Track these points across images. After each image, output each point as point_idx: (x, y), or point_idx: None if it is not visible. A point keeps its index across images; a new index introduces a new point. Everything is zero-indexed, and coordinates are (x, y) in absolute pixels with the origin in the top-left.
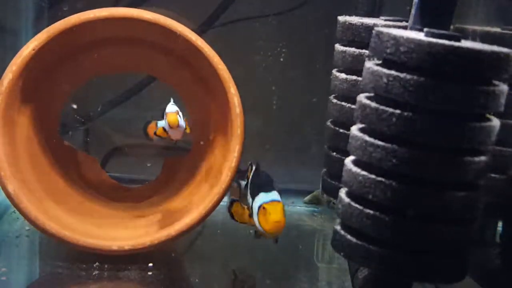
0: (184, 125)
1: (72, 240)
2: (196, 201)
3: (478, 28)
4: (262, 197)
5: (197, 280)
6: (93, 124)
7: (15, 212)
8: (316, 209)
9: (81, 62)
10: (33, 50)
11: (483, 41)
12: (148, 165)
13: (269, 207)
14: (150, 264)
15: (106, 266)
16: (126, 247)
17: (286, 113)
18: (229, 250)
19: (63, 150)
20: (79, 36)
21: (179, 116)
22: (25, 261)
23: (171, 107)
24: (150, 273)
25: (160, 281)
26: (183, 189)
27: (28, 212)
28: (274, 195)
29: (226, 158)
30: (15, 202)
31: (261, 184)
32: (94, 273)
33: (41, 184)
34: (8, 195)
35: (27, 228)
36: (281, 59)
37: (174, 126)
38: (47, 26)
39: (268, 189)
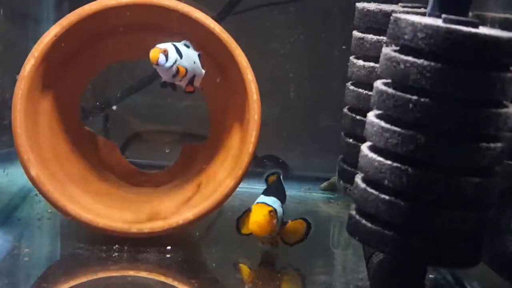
0: (170, 66)
1: (93, 222)
2: (214, 187)
3: (496, 15)
4: (257, 199)
5: (214, 264)
6: (113, 110)
7: (37, 195)
8: (332, 195)
9: (101, 48)
10: (55, 36)
11: (501, 28)
12: (167, 151)
13: (254, 207)
14: (168, 247)
15: (125, 248)
16: (145, 230)
17: (303, 100)
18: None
19: (83, 135)
20: (100, 23)
21: (166, 55)
22: (47, 242)
23: (165, 44)
24: (168, 255)
25: (178, 264)
26: (201, 175)
27: (50, 195)
28: (268, 199)
29: (243, 144)
30: (37, 186)
31: (268, 188)
32: (113, 255)
33: (62, 168)
34: (30, 178)
35: (49, 210)
36: (299, 46)
37: (153, 62)
38: (68, 12)
39: (268, 194)
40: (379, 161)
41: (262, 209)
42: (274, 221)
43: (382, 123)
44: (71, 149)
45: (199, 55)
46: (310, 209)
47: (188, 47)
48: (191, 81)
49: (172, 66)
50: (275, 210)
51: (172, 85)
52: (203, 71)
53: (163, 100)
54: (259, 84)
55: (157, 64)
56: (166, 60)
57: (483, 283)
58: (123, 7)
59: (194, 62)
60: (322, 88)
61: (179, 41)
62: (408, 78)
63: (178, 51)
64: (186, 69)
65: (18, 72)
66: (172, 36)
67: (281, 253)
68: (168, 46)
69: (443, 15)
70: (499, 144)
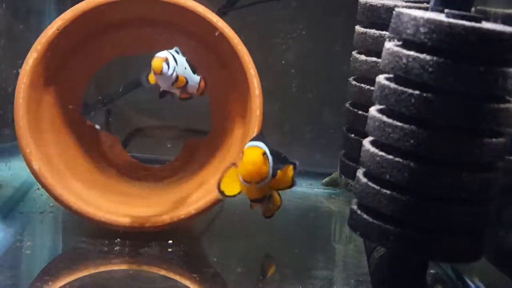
0: (171, 74)
1: (95, 216)
2: (215, 182)
3: (499, 10)
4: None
5: (215, 258)
6: (115, 104)
7: (39, 189)
8: (334, 191)
9: (104, 42)
10: (57, 30)
11: (504, 23)
12: (168, 145)
13: (246, 150)
14: (170, 241)
15: (127, 242)
16: (147, 224)
17: (305, 95)
18: (247, 229)
19: (85, 129)
20: (103, 17)
21: (167, 63)
22: (49, 236)
23: (163, 52)
24: (169, 249)
25: (179, 258)
26: (202, 169)
27: (52, 189)
28: (257, 143)
29: (245, 139)
30: (40, 179)
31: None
32: (115, 249)
33: (64, 162)
34: (33, 172)
35: (51, 204)
36: (301, 41)
37: (157, 72)
38: (71, 6)
39: (255, 139)
40: (380, 156)
41: (255, 151)
42: (267, 166)
43: (384, 118)
44: (73, 143)
45: (187, 61)
46: (312, 205)
47: (178, 53)
48: (184, 89)
49: (172, 73)
50: (267, 155)
51: (171, 93)
52: (197, 78)
53: None
54: (261, 79)
55: (161, 73)
56: (168, 68)
57: (484, 278)
58: (126, 1)
59: (186, 68)
60: (324, 83)
61: (179, 37)
62: (410, 73)
63: (174, 59)
64: (186, 79)
65: (20, 66)
66: (175, 30)
67: (282, 247)
68: (166, 54)
69: (446, 10)
70: (501, 139)
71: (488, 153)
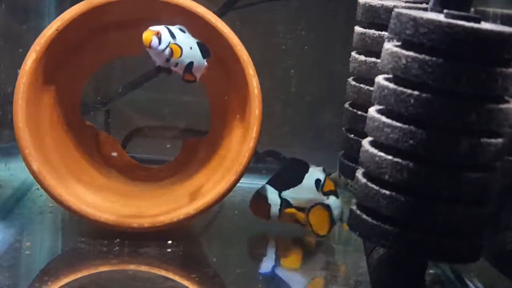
0: (164, 49)
1: (94, 217)
2: (214, 181)
3: (498, 10)
4: None
5: (214, 258)
6: (114, 105)
7: (38, 189)
8: None
9: (103, 43)
10: (56, 30)
11: (503, 23)
12: (168, 146)
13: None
14: (169, 242)
15: (126, 242)
16: (146, 225)
17: (305, 95)
18: (246, 230)
19: (85, 130)
20: (102, 17)
21: (159, 38)
22: (48, 236)
23: (158, 26)
24: (169, 250)
25: (179, 258)
26: (202, 170)
27: (52, 190)
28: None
29: (244, 139)
30: (39, 180)
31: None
32: (114, 249)
33: (63, 163)
34: (32, 172)
35: (50, 205)
36: (300, 41)
37: (146, 45)
38: (70, 6)
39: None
40: (380, 156)
41: None
42: None
43: (383, 118)
44: (72, 144)
45: (198, 43)
46: None
47: (183, 31)
48: (189, 69)
49: (165, 49)
50: None
51: (167, 70)
52: (204, 62)
53: (164, 95)
54: (261, 79)
55: (150, 46)
56: (159, 43)
57: (483, 278)
58: (125, 2)
59: (191, 48)
60: (324, 84)
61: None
62: (409, 73)
63: (171, 33)
64: (181, 49)
65: (19, 66)
66: None
67: (281, 247)
68: (161, 28)
69: (445, 10)
70: (500, 140)
71: (487, 154)
